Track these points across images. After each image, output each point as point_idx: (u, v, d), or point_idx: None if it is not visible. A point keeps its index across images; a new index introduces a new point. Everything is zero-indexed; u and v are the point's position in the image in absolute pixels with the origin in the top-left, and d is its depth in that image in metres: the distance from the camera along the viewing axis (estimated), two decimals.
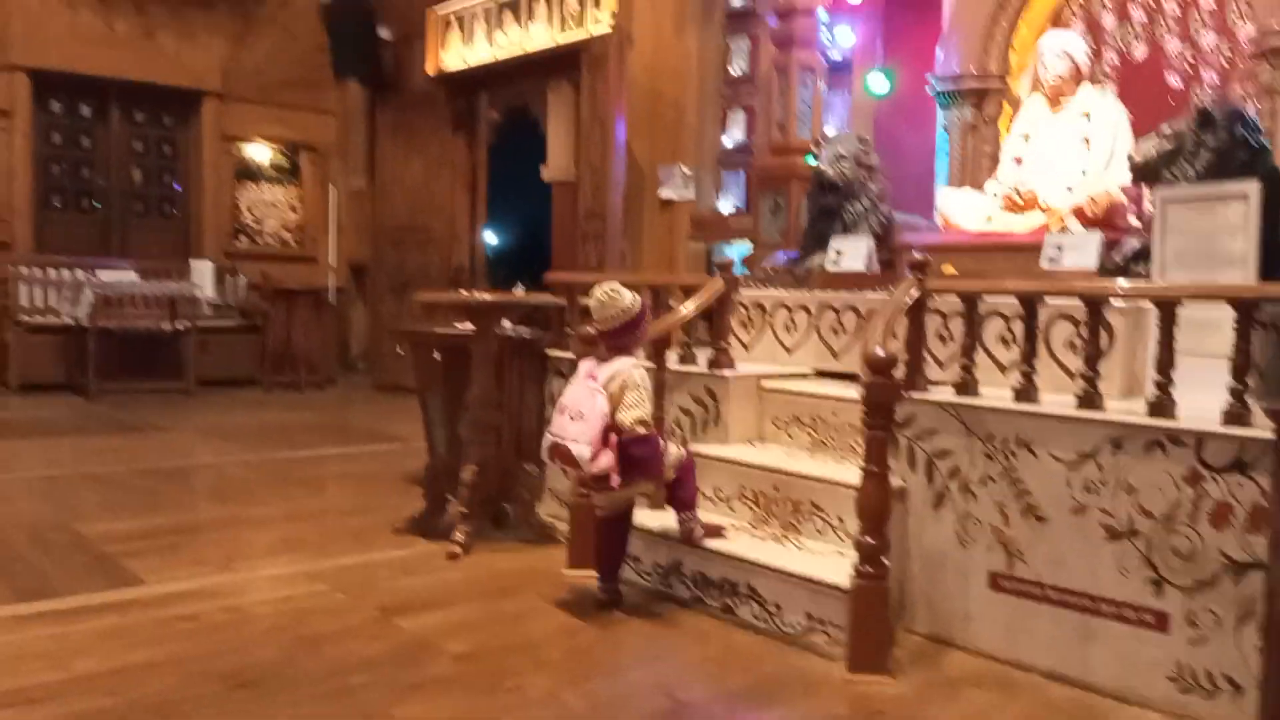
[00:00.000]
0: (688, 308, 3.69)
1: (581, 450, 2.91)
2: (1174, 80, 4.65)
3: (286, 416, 7.24)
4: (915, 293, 3.08)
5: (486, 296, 3.96)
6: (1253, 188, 2.87)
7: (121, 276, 8.25)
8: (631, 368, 3.04)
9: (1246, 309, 2.49)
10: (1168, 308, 2.62)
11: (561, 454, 2.97)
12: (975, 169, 5.02)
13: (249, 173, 9.93)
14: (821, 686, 2.61)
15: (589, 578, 3.44)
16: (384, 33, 9.38)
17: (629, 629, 3.04)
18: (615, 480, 2.98)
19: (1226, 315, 2.55)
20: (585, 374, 3.07)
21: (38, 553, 3.63)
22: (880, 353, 2.74)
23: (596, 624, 3.05)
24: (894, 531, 3.02)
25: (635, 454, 2.99)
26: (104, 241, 9.22)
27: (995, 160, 4.85)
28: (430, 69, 8.98)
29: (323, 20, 9.48)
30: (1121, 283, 2.88)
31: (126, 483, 4.84)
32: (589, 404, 2.96)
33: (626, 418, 2.96)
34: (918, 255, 3.21)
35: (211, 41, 9.47)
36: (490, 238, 19.04)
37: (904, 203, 5.08)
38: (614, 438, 2.97)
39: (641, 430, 2.98)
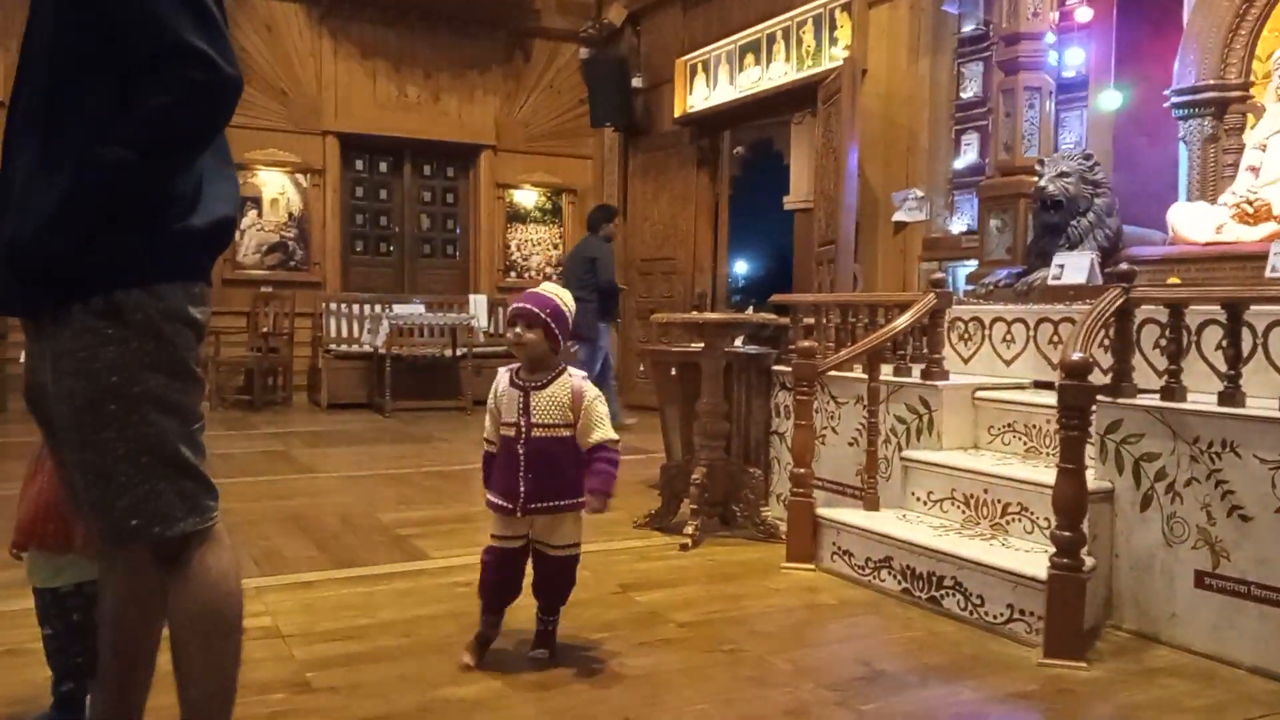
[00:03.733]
0: (901, 322, 3.94)
1: None
2: None
3: None
4: (1119, 302, 3.20)
5: (712, 316, 4.38)
6: None
7: (412, 310, 9.38)
8: None
9: None
10: None
11: None
12: (1216, 181, 4.90)
13: (518, 215, 10.97)
14: (1015, 668, 2.79)
15: (806, 569, 3.77)
16: (636, 82, 10.14)
17: (839, 613, 3.33)
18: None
19: None
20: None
21: (349, 534, 4.38)
22: (1075, 357, 2.90)
23: (809, 608, 3.36)
24: (1102, 532, 3.16)
25: None
26: (398, 280, 10.52)
27: (1237, 172, 4.73)
28: (677, 112, 9.62)
29: (583, 75, 10.40)
30: None
31: (416, 482, 5.64)
32: None
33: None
34: (1125, 266, 3.31)
35: (487, 100, 10.60)
36: (739, 265, 19.65)
37: (1144, 218, 5.03)
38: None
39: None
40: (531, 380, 2.67)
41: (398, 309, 9.22)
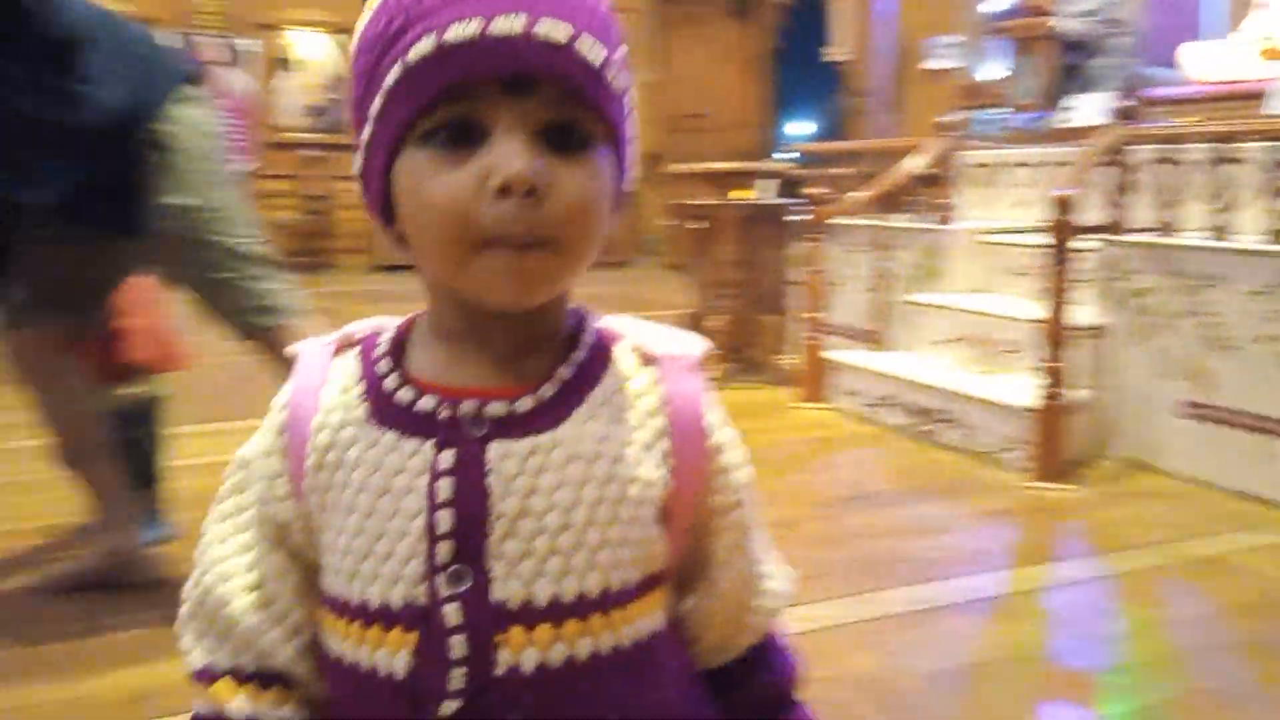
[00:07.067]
0: (909, 165, 3.99)
1: None
2: None
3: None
4: (1113, 140, 3.22)
5: (724, 166, 4.46)
6: None
7: None
8: None
9: None
10: None
11: None
12: (1239, 20, 4.76)
13: None
14: (1000, 490, 2.97)
15: (817, 408, 3.96)
16: None
17: (843, 445, 3.53)
18: None
19: None
20: None
21: None
22: (1063, 192, 2.97)
23: (813, 440, 3.56)
24: (1095, 365, 3.28)
25: None
26: None
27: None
28: None
29: None
30: None
31: None
32: None
33: None
34: (1127, 104, 3.31)
35: None
36: (795, 124, 19.09)
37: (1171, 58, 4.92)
38: None
39: None
40: (506, 396, 0.57)
41: None
